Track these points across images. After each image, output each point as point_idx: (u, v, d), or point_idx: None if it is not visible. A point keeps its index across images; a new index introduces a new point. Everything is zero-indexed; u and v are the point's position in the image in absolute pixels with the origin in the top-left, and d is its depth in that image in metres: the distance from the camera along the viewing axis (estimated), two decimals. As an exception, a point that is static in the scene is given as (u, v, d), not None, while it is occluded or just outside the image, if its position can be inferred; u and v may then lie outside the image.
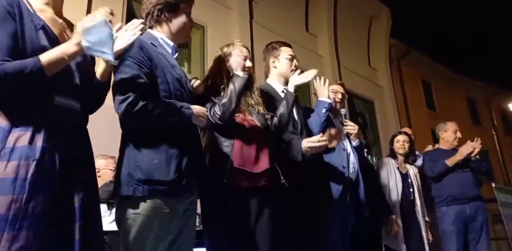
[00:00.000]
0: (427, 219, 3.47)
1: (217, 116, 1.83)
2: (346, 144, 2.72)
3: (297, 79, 2.14)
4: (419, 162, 3.80)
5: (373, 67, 11.05)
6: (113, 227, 1.76)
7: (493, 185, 3.42)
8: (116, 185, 1.57)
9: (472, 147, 3.38)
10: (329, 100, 2.46)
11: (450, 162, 3.43)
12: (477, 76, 17.01)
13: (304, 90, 7.06)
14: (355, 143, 2.81)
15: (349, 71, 9.49)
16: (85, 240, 1.26)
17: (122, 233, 1.54)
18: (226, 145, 1.87)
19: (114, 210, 1.72)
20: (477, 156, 3.42)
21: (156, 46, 1.66)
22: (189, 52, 6.45)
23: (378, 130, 9.75)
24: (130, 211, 1.51)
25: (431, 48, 14.67)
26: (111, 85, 1.53)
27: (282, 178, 1.96)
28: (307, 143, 2.08)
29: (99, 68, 1.45)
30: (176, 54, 1.76)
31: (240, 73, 1.89)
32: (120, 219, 1.56)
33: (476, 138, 3.44)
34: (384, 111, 10.25)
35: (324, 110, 2.42)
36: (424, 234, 3.28)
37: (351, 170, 2.60)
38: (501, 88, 17.70)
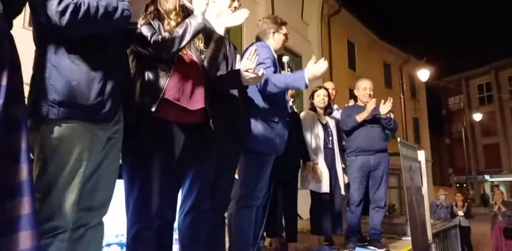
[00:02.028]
0: (343, 165, 3.78)
1: (161, 48, 1.72)
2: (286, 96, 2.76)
3: (227, 21, 1.97)
4: (336, 114, 4.04)
5: (305, 21, 11.10)
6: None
7: (398, 139, 3.78)
8: (29, 107, 1.40)
9: (373, 104, 3.65)
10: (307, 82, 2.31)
11: (359, 117, 3.71)
12: (395, 43, 18.08)
13: (235, 32, 6.91)
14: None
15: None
16: None
17: (35, 160, 1.40)
18: (162, 75, 1.77)
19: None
20: (388, 114, 3.73)
21: None
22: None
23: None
24: (44, 136, 1.38)
25: (360, 10, 15.05)
26: None
27: (211, 121, 1.92)
28: (244, 72, 2.05)
29: None
30: None
31: (200, 17, 1.77)
32: (33, 144, 1.40)
33: (389, 98, 3.72)
34: (310, 67, 10.52)
35: (302, 86, 2.32)
36: (340, 177, 3.59)
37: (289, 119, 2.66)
38: (413, 56, 19.12)
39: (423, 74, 14.97)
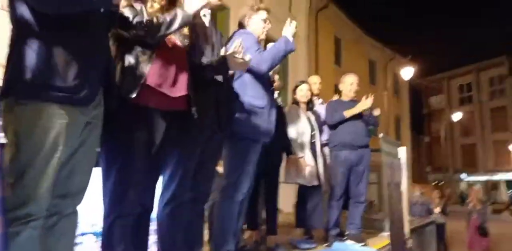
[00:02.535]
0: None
1: (146, 30, 1.66)
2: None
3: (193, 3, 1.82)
4: (319, 108, 4.02)
5: (293, 14, 11.04)
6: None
7: (381, 135, 3.80)
8: (2, 87, 1.35)
9: (367, 104, 3.67)
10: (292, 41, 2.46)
11: (348, 113, 3.72)
12: (381, 40, 18.21)
13: (223, 20, 6.80)
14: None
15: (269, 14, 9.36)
16: None
17: (8, 143, 1.34)
18: (143, 59, 1.71)
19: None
20: (369, 111, 3.75)
21: None
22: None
23: (288, 77, 10.03)
24: (18, 118, 1.32)
25: (348, 6, 15.07)
26: None
27: (193, 109, 1.87)
28: (232, 58, 2.04)
29: None
30: None
31: (191, 12, 1.73)
32: (6, 126, 1.35)
33: (370, 94, 3.75)
34: (296, 60, 10.51)
35: (289, 48, 2.43)
36: (321, 171, 3.58)
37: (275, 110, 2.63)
38: (398, 54, 19.31)
39: (407, 72, 15.10)
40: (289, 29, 2.46)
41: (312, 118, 3.70)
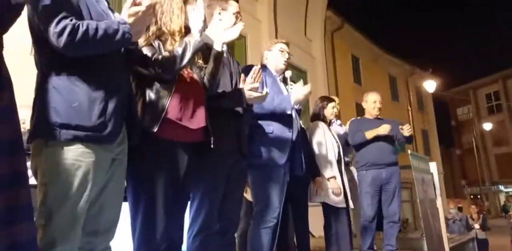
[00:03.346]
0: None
1: (161, 68, 1.72)
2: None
3: (225, 36, 1.95)
4: (338, 129, 3.97)
5: (308, 37, 11.20)
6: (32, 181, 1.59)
7: (409, 151, 3.73)
8: (30, 130, 1.39)
9: (386, 130, 3.63)
10: (298, 107, 2.60)
11: (369, 135, 3.68)
12: (399, 56, 18.13)
13: (239, 51, 6.94)
14: (297, 106, 2.85)
15: (285, 39, 9.51)
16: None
17: (38, 185, 1.37)
18: (163, 94, 1.76)
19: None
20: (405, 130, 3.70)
21: None
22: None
23: (309, 99, 10.03)
24: (47, 159, 1.35)
25: (363, 24, 15.22)
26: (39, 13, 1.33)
27: (212, 139, 1.89)
28: (248, 92, 2.09)
29: None
30: None
31: (197, 35, 1.79)
32: (36, 169, 1.39)
33: (406, 125, 3.75)
34: (316, 82, 10.54)
35: (288, 109, 2.52)
36: (348, 190, 3.49)
37: (295, 134, 2.64)
38: (419, 68, 19.11)
39: (430, 85, 14.90)
40: (297, 92, 2.54)
41: (335, 136, 3.65)
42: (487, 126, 25.55)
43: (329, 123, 3.69)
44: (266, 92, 2.16)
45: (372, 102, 3.90)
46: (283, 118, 2.57)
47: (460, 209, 9.15)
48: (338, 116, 4.08)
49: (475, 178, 25.98)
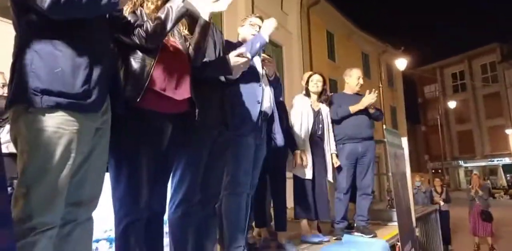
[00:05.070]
0: (334, 151, 3.74)
1: (144, 36, 1.64)
2: (263, 79, 2.72)
3: (212, 6, 1.87)
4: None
5: (284, 11, 11.03)
6: (10, 148, 1.52)
7: (384, 127, 3.81)
8: (9, 95, 1.32)
9: (372, 99, 3.67)
10: (267, 40, 2.45)
11: (353, 109, 3.73)
12: (373, 33, 18.23)
13: (215, 21, 6.76)
14: (271, 77, 2.83)
15: (261, 12, 9.35)
16: None
17: (19, 153, 1.31)
18: (146, 64, 1.68)
19: (7, 127, 1.46)
20: (372, 106, 3.76)
21: None
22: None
23: (284, 74, 10.02)
24: (28, 126, 1.29)
25: (339, 0, 15.09)
26: None
27: (197, 111, 1.85)
28: (234, 58, 2.05)
29: None
30: None
31: (179, 0, 1.69)
32: (15, 136, 1.32)
33: (373, 90, 3.76)
34: (291, 57, 10.51)
35: (258, 45, 2.41)
36: (328, 165, 3.58)
37: (266, 104, 2.62)
38: (391, 46, 19.34)
39: (401, 63, 15.09)
40: (264, 26, 2.49)
41: (324, 111, 3.68)
42: (452, 104, 26.45)
43: (319, 96, 3.68)
44: (248, 57, 2.12)
45: (356, 78, 3.92)
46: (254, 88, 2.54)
47: (422, 183, 9.58)
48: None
49: (438, 153, 27.14)
